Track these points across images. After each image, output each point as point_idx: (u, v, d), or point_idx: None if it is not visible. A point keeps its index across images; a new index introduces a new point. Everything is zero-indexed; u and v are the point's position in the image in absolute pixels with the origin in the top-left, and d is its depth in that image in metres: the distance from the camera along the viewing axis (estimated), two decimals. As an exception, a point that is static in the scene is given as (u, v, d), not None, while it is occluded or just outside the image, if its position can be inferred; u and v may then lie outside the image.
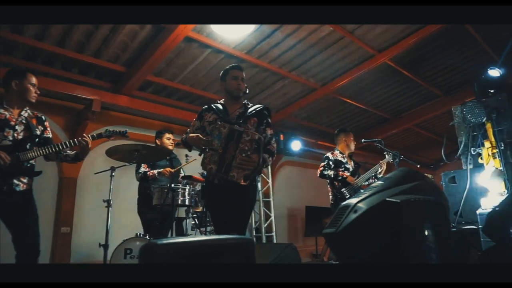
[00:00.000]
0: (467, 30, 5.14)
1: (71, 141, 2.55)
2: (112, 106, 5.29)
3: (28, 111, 2.59)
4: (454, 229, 2.71)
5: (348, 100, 6.81)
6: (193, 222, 4.06)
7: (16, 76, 2.52)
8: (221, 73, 2.65)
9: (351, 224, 1.54)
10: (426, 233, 1.48)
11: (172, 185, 3.42)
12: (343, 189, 3.93)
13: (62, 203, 4.97)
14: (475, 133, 3.37)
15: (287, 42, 4.87)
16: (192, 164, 4.06)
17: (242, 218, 2.41)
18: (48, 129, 2.68)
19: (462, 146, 3.45)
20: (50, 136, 2.68)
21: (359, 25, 4.78)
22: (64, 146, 2.52)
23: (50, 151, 2.48)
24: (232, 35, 4.48)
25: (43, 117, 2.68)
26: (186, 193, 3.55)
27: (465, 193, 3.16)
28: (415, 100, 7.33)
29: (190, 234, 4.03)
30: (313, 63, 5.50)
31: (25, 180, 2.46)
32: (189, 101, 5.96)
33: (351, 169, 4.11)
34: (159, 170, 3.78)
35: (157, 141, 4.09)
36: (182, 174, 4.01)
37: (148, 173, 3.82)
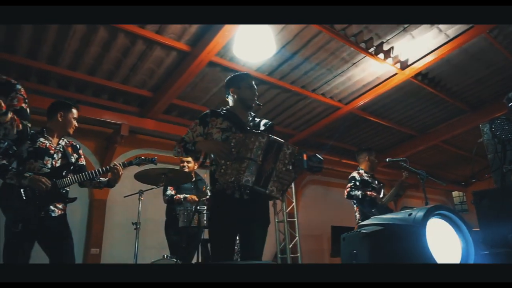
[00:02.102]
0: (493, 44, 5.05)
1: (103, 168, 2.68)
2: (139, 130, 5.48)
3: (65, 140, 2.74)
4: (487, 252, 2.60)
5: (372, 118, 6.75)
6: (219, 243, 4.07)
7: (63, 108, 2.68)
8: (231, 78, 2.42)
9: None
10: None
11: (198, 207, 3.47)
12: (373, 210, 3.87)
13: (92, 224, 5.12)
14: (507, 150, 3.25)
15: (308, 64, 4.94)
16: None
17: (264, 240, 2.21)
18: (82, 156, 2.82)
19: (492, 163, 3.34)
20: (84, 164, 2.81)
21: (381, 43, 4.80)
22: (97, 174, 2.63)
23: (85, 178, 2.60)
24: (253, 59, 4.59)
25: (77, 145, 2.82)
26: (211, 215, 3.58)
27: (498, 213, 3.03)
28: (441, 116, 7.18)
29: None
30: (335, 82, 5.52)
31: (60, 206, 2.57)
32: (213, 123, 6.09)
33: (377, 189, 4.05)
34: (186, 196, 3.84)
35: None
36: (208, 196, 4.06)
37: (174, 197, 3.89)
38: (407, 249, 1.58)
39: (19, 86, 1.83)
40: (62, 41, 3.95)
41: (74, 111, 2.72)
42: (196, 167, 4.23)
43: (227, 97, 2.41)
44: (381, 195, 3.99)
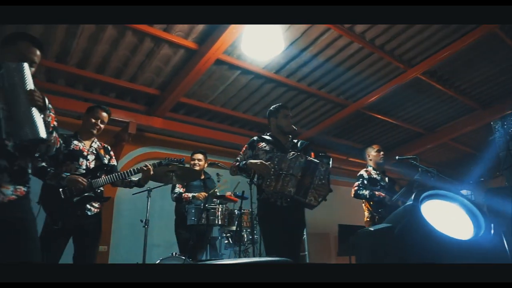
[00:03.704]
0: (504, 41, 4.97)
1: (134, 168, 2.78)
2: (147, 128, 5.49)
3: (98, 142, 2.87)
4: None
5: (380, 116, 6.69)
6: (226, 241, 4.07)
7: (87, 111, 2.84)
8: (271, 110, 3.01)
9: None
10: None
11: (206, 205, 3.47)
12: (380, 210, 3.81)
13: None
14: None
15: (316, 61, 4.90)
16: (224, 184, 4.12)
17: (301, 239, 2.90)
18: (113, 157, 2.95)
19: (504, 161, 3.29)
20: (115, 164, 2.94)
21: (388, 41, 4.75)
22: (129, 174, 2.74)
23: (118, 178, 2.71)
24: (261, 56, 4.56)
25: (108, 147, 2.95)
26: (220, 213, 3.59)
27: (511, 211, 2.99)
28: (450, 114, 7.09)
29: (224, 254, 4.03)
30: (342, 80, 5.48)
31: (96, 205, 2.70)
32: (219, 121, 6.09)
33: (386, 187, 3.99)
34: (194, 194, 3.85)
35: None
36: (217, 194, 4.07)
37: (183, 195, 3.90)
38: (408, 226, 1.59)
39: (50, 105, 1.91)
40: (70, 40, 3.96)
41: (96, 112, 2.82)
42: (206, 165, 4.25)
43: (269, 125, 3.01)
44: (391, 193, 3.92)
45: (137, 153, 5.64)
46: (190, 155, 4.30)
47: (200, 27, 4.10)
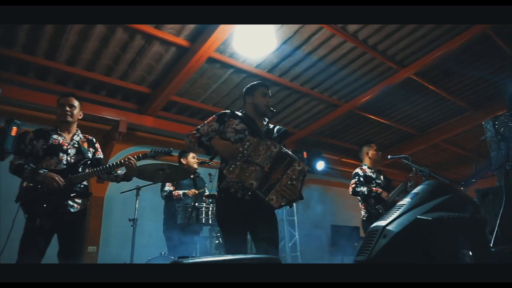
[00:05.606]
0: (496, 42, 5.00)
1: (118, 162, 2.67)
2: (137, 127, 5.43)
3: (80, 135, 2.76)
4: (493, 249, 2.56)
5: (372, 116, 6.70)
6: (217, 241, 4.03)
7: (56, 104, 2.73)
8: (247, 87, 2.59)
9: (382, 250, 1.48)
10: (462, 252, 1.43)
11: (196, 204, 3.43)
12: (378, 206, 3.80)
13: (89, 222, 5.05)
14: (510, 148, 3.20)
15: (308, 60, 4.89)
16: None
17: (277, 236, 2.29)
18: (99, 150, 2.84)
19: (495, 161, 3.29)
20: (102, 157, 2.83)
21: (381, 40, 4.75)
22: (112, 168, 2.63)
23: (99, 174, 2.61)
24: (253, 55, 4.53)
25: (93, 140, 2.84)
26: (210, 212, 3.55)
27: (501, 211, 2.98)
28: (442, 115, 7.13)
29: (214, 254, 3.99)
30: (335, 80, 5.47)
31: (79, 201, 2.59)
32: (212, 120, 6.04)
33: (382, 185, 3.98)
34: (184, 191, 3.81)
35: (181, 160, 4.14)
36: (206, 193, 4.03)
37: (173, 193, 3.85)
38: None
39: None
40: (59, 36, 3.89)
41: (61, 99, 2.70)
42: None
43: (244, 106, 2.55)
44: (388, 192, 3.92)
45: (127, 152, 5.57)
46: (178, 154, 4.25)
47: (192, 25, 4.05)
